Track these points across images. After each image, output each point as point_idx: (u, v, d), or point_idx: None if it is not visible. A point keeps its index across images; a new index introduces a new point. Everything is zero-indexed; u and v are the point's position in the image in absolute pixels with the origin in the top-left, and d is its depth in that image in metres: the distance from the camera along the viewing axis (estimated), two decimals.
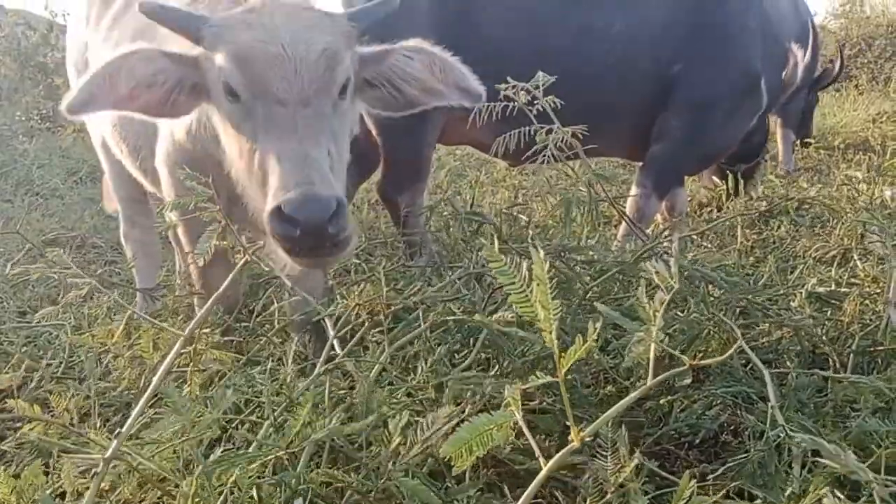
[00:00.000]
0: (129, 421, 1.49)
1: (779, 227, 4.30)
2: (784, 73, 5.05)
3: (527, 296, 1.15)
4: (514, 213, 5.52)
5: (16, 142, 9.13)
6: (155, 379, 1.50)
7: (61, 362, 3.14)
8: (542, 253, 1.11)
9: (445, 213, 4.81)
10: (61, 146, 9.33)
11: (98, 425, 2.44)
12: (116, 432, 1.52)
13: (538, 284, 1.12)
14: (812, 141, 8.67)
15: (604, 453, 1.46)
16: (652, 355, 1.22)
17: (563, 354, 1.13)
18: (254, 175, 2.23)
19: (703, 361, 1.25)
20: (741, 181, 4.96)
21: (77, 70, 3.85)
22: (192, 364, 2.18)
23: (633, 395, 1.22)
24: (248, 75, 2.18)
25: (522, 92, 3.07)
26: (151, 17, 2.31)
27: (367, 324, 2.86)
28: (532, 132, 3.17)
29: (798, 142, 8.37)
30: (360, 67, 2.47)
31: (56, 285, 4.51)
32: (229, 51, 2.21)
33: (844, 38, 13.96)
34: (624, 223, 4.49)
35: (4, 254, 5.12)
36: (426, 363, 2.40)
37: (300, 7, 2.33)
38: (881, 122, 9.92)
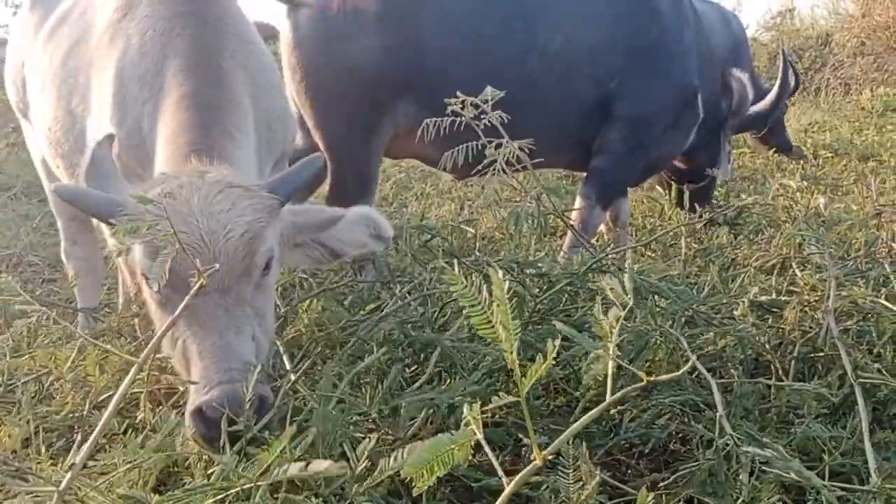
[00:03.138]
0: (83, 453, 1.44)
1: (719, 236, 4.40)
2: (733, 101, 5.20)
3: (488, 317, 1.16)
4: (461, 226, 5.56)
5: None
6: (110, 407, 1.47)
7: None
8: (500, 273, 1.12)
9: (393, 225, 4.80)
10: None
11: (41, 451, 2.37)
12: (70, 463, 1.48)
13: (498, 305, 1.13)
14: (803, 150, 8.85)
15: (563, 469, 1.48)
16: (610, 371, 1.24)
17: (522, 374, 1.15)
18: (178, 361, 2.20)
19: (658, 377, 1.27)
20: (685, 193, 5.07)
21: (15, 87, 3.77)
22: (144, 391, 2.13)
23: (594, 411, 1.24)
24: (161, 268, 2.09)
25: (470, 106, 3.08)
26: (68, 202, 2.31)
27: (318, 342, 2.87)
28: (480, 146, 3.19)
29: (775, 151, 8.49)
30: (294, 233, 2.46)
31: None
32: (146, 244, 2.12)
33: (775, 49, 14.36)
34: (570, 234, 4.56)
35: None
36: (379, 382, 2.41)
37: (220, 184, 2.22)
38: (813, 132, 10.25)
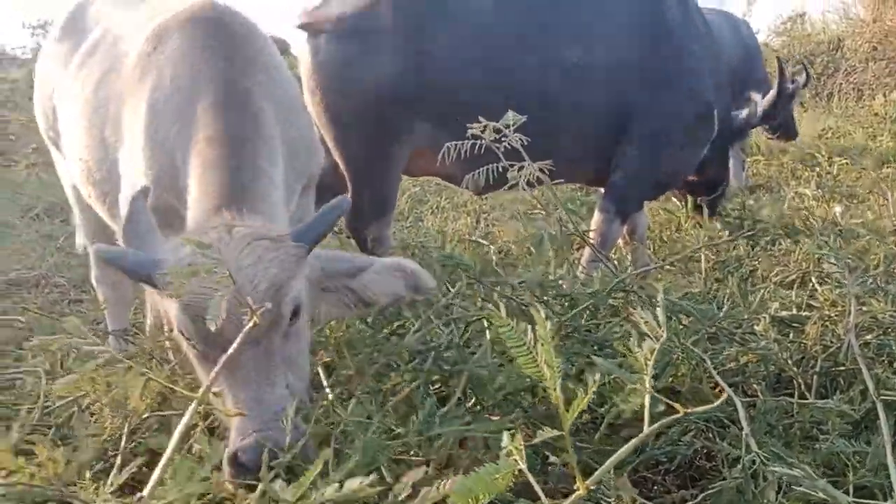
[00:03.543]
0: (149, 487, 1.50)
1: (736, 247, 4.44)
2: (746, 112, 5.23)
3: (533, 357, 1.22)
4: (479, 241, 5.62)
5: None
6: (172, 443, 1.53)
7: (38, 409, 3.10)
8: (542, 313, 1.18)
9: (413, 245, 4.87)
10: (14, 182, 9.17)
11: (85, 475, 2.43)
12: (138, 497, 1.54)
13: (542, 345, 1.19)
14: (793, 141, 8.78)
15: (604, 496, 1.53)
16: (647, 402, 1.29)
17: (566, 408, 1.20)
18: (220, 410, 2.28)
19: (694, 410, 1.32)
20: (702, 205, 5.12)
21: (45, 117, 3.85)
22: (199, 424, 2.20)
23: (633, 442, 1.29)
24: (197, 325, 2.19)
25: (491, 130, 3.14)
26: (108, 264, 2.43)
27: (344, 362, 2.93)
28: (501, 168, 3.25)
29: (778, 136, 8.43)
30: (322, 278, 2.52)
31: (22, 328, 4.48)
32: (179, 303, 2.22)
33: (787, 55, 14.36)
34: (587, 248, 4.62)
35: None
36: (406, 403, 2.46)
37: (248, 238, 2.30)
38: (826, 138, 10.25)
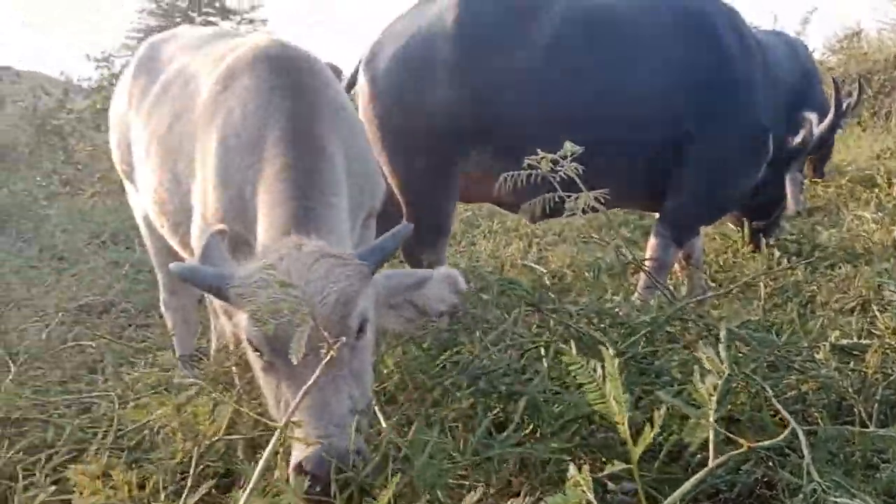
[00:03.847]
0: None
1: (795, 272, 4.41)
2: (802, 134, 5.21)
3: (602, 392, 1.27)
4: (532, 265, 5.66)
5: (37, 207, 9.30)
6: (257, 471, 1.62)
7: (111, 433, 3.23)
8: (612, 351, 1.23)
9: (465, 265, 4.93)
10: (81, 210, 9.51)
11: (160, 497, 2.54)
12: None
13: (611, 381, 1.24)
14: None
15: None
16: (712, 436, 1.33)
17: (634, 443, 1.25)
18: (280, 416, 2.34)
19: (759, 444, 1.35)
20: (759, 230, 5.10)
21: (120, 151, 4.03)
22: (280, 452, 2.28)
23: (701, 474, 1.33)
24: (266, 334, 2.30)
25: (548, 161, 3.20)
26: (182, 280, 2.56)
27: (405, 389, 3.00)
28: (558, 197, 3.31)
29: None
30: (388, 295, 2.64)
31: (93, 353, 4.65)
32: (248, 312, 2.34)
33: (843, 73, 14.11)
34: (643, 274, 4.63)
35: (40, 321, 5.24)
36: (464, 428, 2.52)
37: (317, 254, 2.42)
38: (886, 158, 10.03)
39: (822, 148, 5.82)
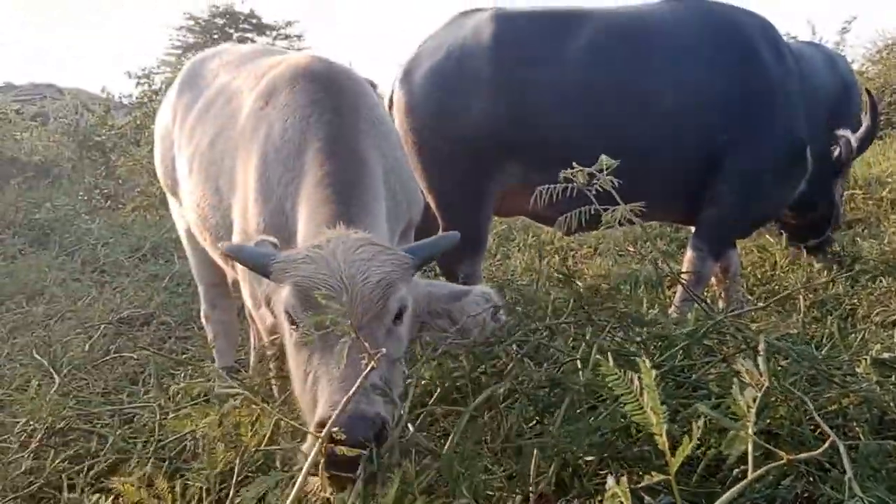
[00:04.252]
0: None
1: (835, 286, 4.36)
2: (838, 150, 5.14)
3: (640, 404, 1.29)
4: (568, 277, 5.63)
5: (79, 221, 9.49)
6: (298, 481, 1.64)
7: (153, 443, 3.29)
8: (648, 363, 1.24)
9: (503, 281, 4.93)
10: (122, 224, 9.69)
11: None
12: None
13: (648, 392, 1.25)
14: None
15: None
16: (750, 448, 1.33)
17: (672, 454, 1.25)
18: (305, 396, 2.40)
19: (798, 456, 1.35)
20: (804, 248, 5.03)
21: (164, 166, 4.12)
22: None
23: (738, 487, 1.33)
24: (306, 305, 2.36)
25: (584, 174, 3.21)
26: (229, 257, 2.67)
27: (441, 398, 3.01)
28: (593, 210, 3.31)
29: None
30: (429, 301, 2.67)
31: (135, 364, 4.74)
32: (291, 283, 2.41)
33: (883, 84, 13.90)
34: (680, 287, 4.61)
35: (83, 333, 5.36)
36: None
37: (361, 241, 2.49)
38: None
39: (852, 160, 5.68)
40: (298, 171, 2.89)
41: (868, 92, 5.68)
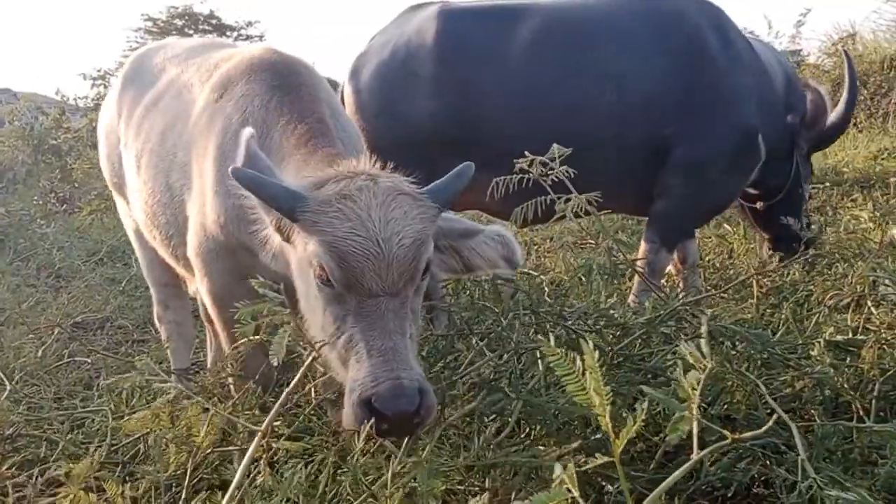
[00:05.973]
0: None
1: (791, 272, 4.39)
2: (807, 113, 5.12)
3: (582, 385, 1.26)
4: (530, 271, 5.63)
5: (35, 225, 9.29)
6: (238, 473, 1.60)
7: (104, 447, 3.21)
8: (591, 344, 1.22)
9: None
10: (79, 228, 9.51)
11: None
12: None
13: (591, 373, 1.23)
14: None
15: None
16: (695, 429, 1.31)
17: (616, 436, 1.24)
18: (336, 353, 2.34)
19: (742, 435, 1.34)
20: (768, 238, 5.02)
21: (110, 164, 4.02)
22: (264, 455, 2.25)
23: (682, 469, 1.31)
24: (343, 269, 2.28)
25: (537, 164, 3.20)
26: (245, 187, 2.38)
27: None
28: (548, 201, 3.30)
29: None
30: (438, 236, 2.56)
31: (89, 369, 4.64)
32: (326, 242, 2.30)
33: (839, 76, 14.10)
34: (638, 278, 4.61)
35: (35, 339, 5.23)
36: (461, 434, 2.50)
37: (393, 191, 2.38)
38: (882, 159, 10.02)
39: (835, 137, 5.60)
40: (268, 150, 2.76)
41: (846, 54, 5.72)
